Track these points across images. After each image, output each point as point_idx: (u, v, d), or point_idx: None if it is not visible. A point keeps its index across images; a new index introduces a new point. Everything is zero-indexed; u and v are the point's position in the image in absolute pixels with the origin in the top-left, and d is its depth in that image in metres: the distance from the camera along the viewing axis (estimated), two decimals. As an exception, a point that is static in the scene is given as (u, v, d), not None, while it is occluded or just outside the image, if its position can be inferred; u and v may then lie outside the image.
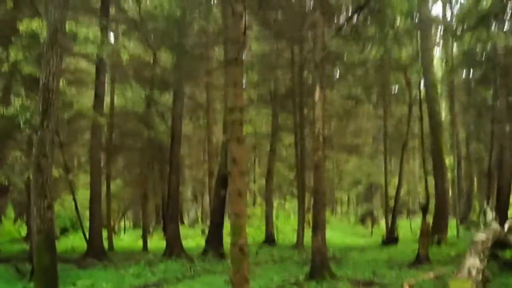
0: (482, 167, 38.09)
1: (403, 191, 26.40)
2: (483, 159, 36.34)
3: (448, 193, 24.05)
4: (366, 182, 32.49)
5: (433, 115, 23.51)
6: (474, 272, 9.26)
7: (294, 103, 22.96)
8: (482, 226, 19.80)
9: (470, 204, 34.03)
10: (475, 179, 38.09)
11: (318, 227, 13.37)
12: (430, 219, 20.81)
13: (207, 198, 29.28)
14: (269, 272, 14.24)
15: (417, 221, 32.60)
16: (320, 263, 13.08)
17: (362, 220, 36.03)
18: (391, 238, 23.30)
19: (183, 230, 21.18)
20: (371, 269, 14.78)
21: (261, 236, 25.52)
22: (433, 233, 19.66)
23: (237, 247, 7.31)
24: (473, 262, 9.57)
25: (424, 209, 26.10)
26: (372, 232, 31.03)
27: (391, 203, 26.21)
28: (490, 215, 20.49)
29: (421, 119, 24.35)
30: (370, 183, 32.81)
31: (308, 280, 12.75)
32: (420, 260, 15.95)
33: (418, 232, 25.29)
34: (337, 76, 26.11)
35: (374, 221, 34.07)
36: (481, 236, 10.90)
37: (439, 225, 21.71)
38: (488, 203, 28.52)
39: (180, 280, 13.69)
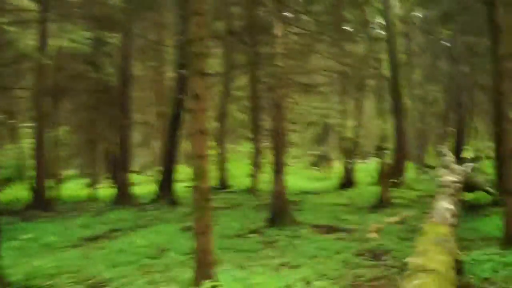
0: (436, 109, 38.17)
1: (359, 133, 25.77)
2: (437, 101, 36.39)
3: (406, 135, 23.58)
4: (321, 123, 31.74)
5: (392, 54, 22.74)
6: (448, 215, 8.65)
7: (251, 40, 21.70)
8: (442, 168, 19.63)
9: (424, 146, 33.99)
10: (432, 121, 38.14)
11: (279, 170, 12.56)
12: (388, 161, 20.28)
13: (158, 143, 28.09)
14: (227, 218, 13.42)
15: (373, 163, 32.44)
16: (280, 208, 12.36)
17: (316, 163, 35.46)
18: (348, 181, 22.87)
19: (133, 177, 20.02)
20: (333, 214, 14.22)
21: (214, 181, 24.69)
22: (392, 175, 19.19)
23: (200, 192, 6.39)
24: (446, 205, 8.96)
25: (381, 151, 25.84)
26: (327, 175, 30.66)
27: (348, 145, 25.71)
28: (450, 157, 20.28)
29: (378, 58, 23.72)
30: (325, 125, 32.15)
31: (269, 226, 12.01)
32: (381, 203, 15.44)
33: (375, 175, 25.17)
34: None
35: (329, 164, 33.75)
36: (450, 178, 10.26)
37: (398, 167, 21.32)
38: (444, 145, 28.57)
39: (132, 229, 12.75)
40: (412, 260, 5.96)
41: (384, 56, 24.63)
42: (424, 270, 5.44)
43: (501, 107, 8.23)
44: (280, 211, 12.28)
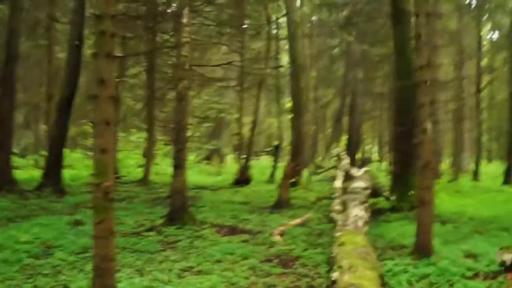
0: (329, 112, 39.04)
1: (255, 130, 25.46)
2: (331, 103, 37.23)
3: (304, 135, 23.55)
4: (216, 118, 31.12)
5: (294, 54, 22.55)
6: (361, 224, 8.37)
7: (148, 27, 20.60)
8: (339, 171, 19.75)
9: (316, 148, 34.56)
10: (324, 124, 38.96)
11: (180, 165, 11.75)
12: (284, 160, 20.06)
13: (42, 125, 26.10)
14: (120, 213, 12.30)
15: (268, 161, 32.39)
16: (180, 205, 11.53)
17: (208, 158, 34.75)
18: (243, 178, 22.41)
19: (13, 160, 18.15)
20: (232, 213, 13.62)
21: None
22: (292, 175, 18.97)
23: (102, 190, 5.45)
24: (358, 213, 8.67)
25: (277, 150, 25.72)
26: (219, 170, 30.11)
27: (244, 141, 25.36)
28: (347, 160, 20.51)
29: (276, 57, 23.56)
30: (220, 119, 31.64)
31: (167, 224, 11.15)
32: (281, 204, 15.07)
33: (269, 173, 25.00)
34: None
35: (221, 160, 33.24)
36: (360, 184, 10.01)
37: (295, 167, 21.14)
38: (338, 148, 29.07)
39: (12, 220, 11.36)
40: (339, 277, 5.47)
41: (285, 56, 24.56)
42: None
43: (421, 118, 7.98)
44: (180, 208, 11.47)
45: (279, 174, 24.61)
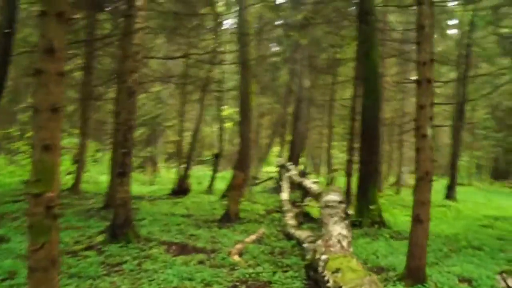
0: (265, 121, 38.12)
1: (195, 138, 23.94)
2: (271, 112, 36.32)
3: (253, 142, 22.27)
4: (153, 123, 29.41)
5: (244, 54, 20.96)
6: (345, 244, 7.24)
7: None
8: (282, 182, 18.67)
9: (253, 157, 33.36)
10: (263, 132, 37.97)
11: (125, 172, 10.21)
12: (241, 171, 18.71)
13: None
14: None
15: (207, 171, 30.88)
16: (124, 220, 9.99)
17: (142, 166, 32.84)
18: (181, 188, 20.86)
19: None
20: (177, 227, 12.18)
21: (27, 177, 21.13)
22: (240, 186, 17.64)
23: (43, 203, 4.02)
24: (340, 231, 7.52)
25: (216, 158, 24.37)
26: (153, 179, 28.41)
27: (181, 149, 23.85)
28: (294, 169, 19.45)
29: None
30: (156, 125, 29.92)
31: (109, 241, 9.57)
32: (229, 217, 13.75)
33: (207, 183, 23.62)
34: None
35: (155, 168, 31.50)
36: (332, 196, 8.86)
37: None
38: (282, 158, 28.06)
39: None
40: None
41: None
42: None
43: (420, 122, 6.97)
44: (123, 222, 9.93)
45: (218, 184, 23.38)
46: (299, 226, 12.52)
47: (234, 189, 14.39)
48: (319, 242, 7.42)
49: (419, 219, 6.93)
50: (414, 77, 11.99)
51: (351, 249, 7.10)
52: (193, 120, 25.67)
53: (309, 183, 14.56)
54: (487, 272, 7.98)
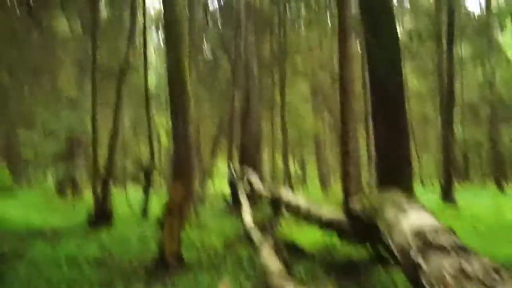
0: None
1: (121, 150, 18.37)
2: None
3: (191, 141, 16.50)
4: (66, 136, 23.68)
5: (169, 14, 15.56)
6: None
7: None
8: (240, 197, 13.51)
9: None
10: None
11: None
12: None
13: None
14: None
15: (136, 191, 25.06)
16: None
17: (61, 189, 26.52)
18: (101, 217, 15.14)
19: None
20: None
21: None
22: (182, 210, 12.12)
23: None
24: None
25: (148, 175, 18.94)
26: (74, 205, 22.43)
27: (100, 166, 17.87)
28: (258, 183, 14.43)
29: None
30: (73, 138, 24.21)
31: None
32: (165, 262, 8.31)
33: (139, 207, 18.11)
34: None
35: (76, 190, 25.52)
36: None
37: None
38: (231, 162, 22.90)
39: None
40: None
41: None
42: None
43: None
44: None
45: (155, 207, 17.59)
46: (288, 270, 7.14)
47: (170, 214, 8.81)
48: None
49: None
50: None
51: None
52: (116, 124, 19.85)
53: (289, 194, 9.43)
54: None
